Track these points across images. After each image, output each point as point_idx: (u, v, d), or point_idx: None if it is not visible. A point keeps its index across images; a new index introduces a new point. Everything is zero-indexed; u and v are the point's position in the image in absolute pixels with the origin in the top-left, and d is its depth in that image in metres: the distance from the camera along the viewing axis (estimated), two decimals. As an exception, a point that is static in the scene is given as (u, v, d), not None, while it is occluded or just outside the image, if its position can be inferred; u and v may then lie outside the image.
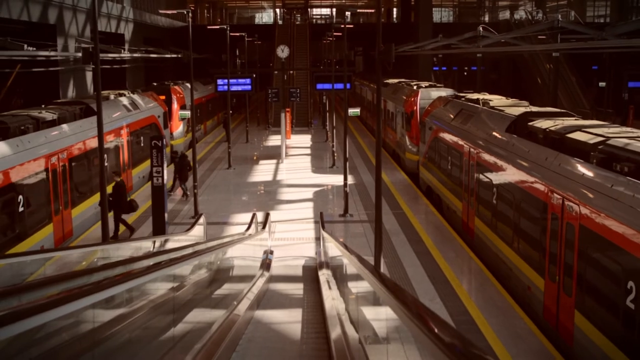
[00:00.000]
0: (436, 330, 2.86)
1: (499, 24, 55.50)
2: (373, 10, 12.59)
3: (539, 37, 39.34)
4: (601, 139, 10.52)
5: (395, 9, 77.88)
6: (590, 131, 11.28)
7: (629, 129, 11.53)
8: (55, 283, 4.44)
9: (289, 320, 9.16)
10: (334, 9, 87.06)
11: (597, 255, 9.06)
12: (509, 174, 13.05)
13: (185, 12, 19.29)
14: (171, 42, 46.88)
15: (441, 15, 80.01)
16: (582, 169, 10.07)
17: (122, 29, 35.94)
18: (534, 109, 15.66)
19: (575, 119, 13.68)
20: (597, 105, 40.68)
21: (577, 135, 11.28)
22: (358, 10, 21.37)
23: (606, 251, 8.77)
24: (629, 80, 30.75)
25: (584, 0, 66.55)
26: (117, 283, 4.64)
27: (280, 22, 56.68)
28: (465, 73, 59.23)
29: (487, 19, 70.46)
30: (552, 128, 12.28)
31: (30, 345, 3.44)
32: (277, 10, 72.58)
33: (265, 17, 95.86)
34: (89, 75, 30.10)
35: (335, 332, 7.16)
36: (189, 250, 7.22)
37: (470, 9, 73.88)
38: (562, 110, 15.36)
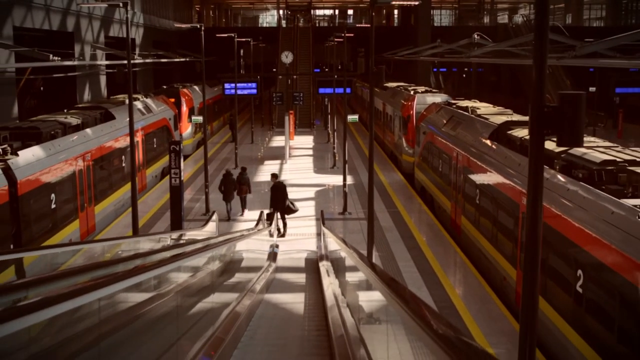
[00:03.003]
0: (417, 310, 3.17)
1: (497, 28, 57.07)
2: (369, 26, 13.98)
3: (533, 42, 40.86)
4: (565, 147, 12.09)
5: (396, 11, 79.33)
6: (558, 141, 12.84)
7: (592, 139, 13.11)
8: (100, 268, 5.10)
9: (293, 301, 10.78)
10: (337, 10, 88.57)
11: (556, 249, 10.64)
12: (490, 178, 14.64)
13: (198, 26, 20.88)
14: (179, 45, 48.46)
15: (441, 17, 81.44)
16: (546, 174, 11.65)
17: (132, 33, 37.54)
18: (516, 117, 17.25)
19: (550, 128, 15.23)
20: (590, 108, 42.28)
21: (546, 144, 12.84)
22: (357, 25, 22.76)
23: (563, 245, 10.35)
24: (616, 86, 32.42)
25: (581, 4, 68.01)
26: (154, 267, 5.60)
27: (283, 22, 58.13)
28: (464, 75, 60.69)
29: (487, 20, 71.91)
30: (526, 137, 13.86)
31: (65, 326, 3.73)
32: (281, 11, 74.09)
33: (269, 17, 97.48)
34: (102, 79, 31.73)
35: (331, 309, 8.73)
36: (214, 241, 8.82)
37: (470, 11, 75.30)
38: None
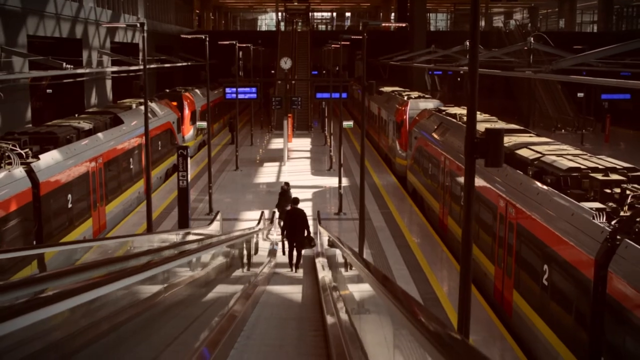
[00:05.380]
0: (401, 298, 3.43)
1: (491, 33, 58.39)
2: (360, 38, 14.98)
3: (525, 48, 42.20)
4: (538, 155, 13.37)
5: (393, 14, 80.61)
6: (534, 148, 14.12)
7: (565, 147, 14.38)
8: (120, 262, 5.52)
9: (292, 292, 12.05)
10: (335, 13, 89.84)
11: (527, 246, 11.91)
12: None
13: (203, 37, 22.15)
14: (180, 48, 49.68)
15: (437, 21, 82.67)
16: (520, 179, 12.92)
17: (137, 39, 38.75)
18: (499, 125, 18.53)
19: (529, 136, 16.53)
20: (579, 112, 43.65)
21: (523, 152, 14.13)
22: (352, 37, 23.81)
23: (532, 243, 11.62)
24: (602, 93, 33.76)
25: (574, 9, 69.38)
26: (176, 258, 6.79)
27: (282, 24, 59.33)
28: (459, 79, 61.92)
29: (483, 24, 73.17)
30: (505, 144, 15.12)
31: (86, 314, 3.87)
32: (280, 14, 75.32)
33: (268, 18, 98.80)
34: (108, 84, 32.97)
35: (326, 300, 9.96)
36: (224, 237, 10.04)
37: (466, 15, 76.58)
38: (521, 128, 18.24)
